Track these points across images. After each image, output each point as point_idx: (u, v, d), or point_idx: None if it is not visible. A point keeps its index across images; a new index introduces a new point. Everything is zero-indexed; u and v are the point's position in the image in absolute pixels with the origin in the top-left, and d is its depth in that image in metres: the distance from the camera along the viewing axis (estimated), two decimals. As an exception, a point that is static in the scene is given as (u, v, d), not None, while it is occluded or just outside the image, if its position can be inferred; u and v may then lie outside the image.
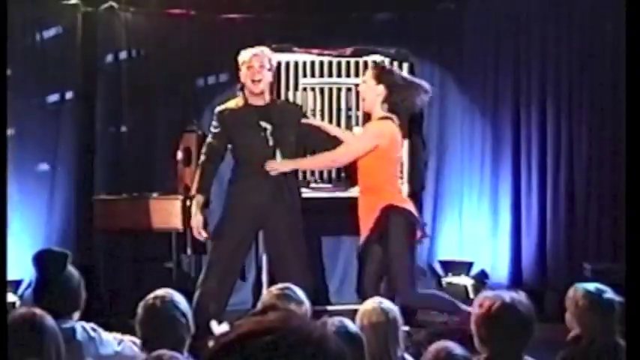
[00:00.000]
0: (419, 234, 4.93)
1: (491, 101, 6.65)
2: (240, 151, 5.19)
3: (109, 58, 6.79)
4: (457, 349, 2.84)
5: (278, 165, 5.06)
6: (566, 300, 3.47)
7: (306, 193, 5.83)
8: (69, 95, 6.72)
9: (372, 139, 4.87)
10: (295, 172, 5.34)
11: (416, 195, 6.52)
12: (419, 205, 6.67)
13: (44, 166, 6.58)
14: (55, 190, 6.56)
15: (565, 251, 6.57)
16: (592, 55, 6.57)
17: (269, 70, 5.18)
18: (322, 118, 5.93)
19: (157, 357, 2.65)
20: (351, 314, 3.44)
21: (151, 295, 3.18)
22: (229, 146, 5.23)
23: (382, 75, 4.92)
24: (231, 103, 5.27)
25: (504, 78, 6.68)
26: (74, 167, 6.67)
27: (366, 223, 4.88)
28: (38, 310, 2.89)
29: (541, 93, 6.64)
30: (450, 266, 6.60)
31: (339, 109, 6.00)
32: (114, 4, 6.72)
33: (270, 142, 5.08)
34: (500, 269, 6.62)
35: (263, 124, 5.10)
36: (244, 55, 5.17)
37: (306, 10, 6.68)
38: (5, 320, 2.74)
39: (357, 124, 5.93)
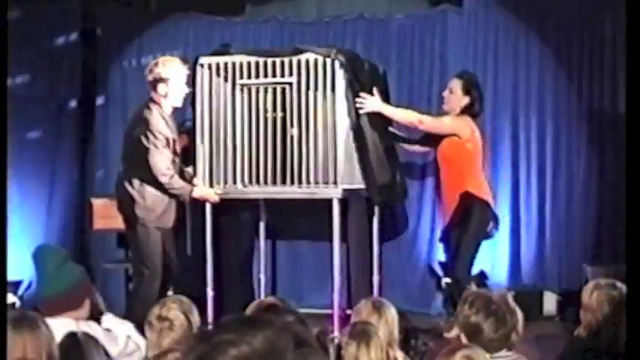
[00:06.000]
0: (491, 225, 5.44)
1: (490, 101, 6.63)
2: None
3: (110, 59, 6.79)
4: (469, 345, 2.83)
5: (370, 103, 5.38)
6: (582, 297, 3.55)
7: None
8: (69, 96, 6.72)
9: (455, 127, 5.42)
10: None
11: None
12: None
13: (44, 167, 6.58)
14: (55, 191, 6.56)
15: (564, 252, 6.56)
16: (592, 55, 6.58)
17: None
18: (257, 118, 5.68)
19: None
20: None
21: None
22: None
23: (471, 88, 5.48)
24: (156, 111, 5.27)
25: (503, 80, 6.68)
26: (73, 168, 6.67)
27: (447, 210, 5.45)
28: (27, 312, 2.85)
29: (540, 93, 6.64)
30: (449, 267, 6.59)
31: (274, 109, 5.69)
32: (116, 4, 6.72)
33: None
34: (499, 270, 6.61)
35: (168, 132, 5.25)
36: (181, 71, 5.27)
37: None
38: (5, 320, 2.73)
39: (292, 125, 5.64)
